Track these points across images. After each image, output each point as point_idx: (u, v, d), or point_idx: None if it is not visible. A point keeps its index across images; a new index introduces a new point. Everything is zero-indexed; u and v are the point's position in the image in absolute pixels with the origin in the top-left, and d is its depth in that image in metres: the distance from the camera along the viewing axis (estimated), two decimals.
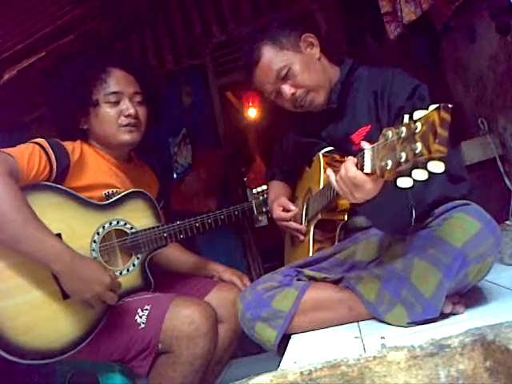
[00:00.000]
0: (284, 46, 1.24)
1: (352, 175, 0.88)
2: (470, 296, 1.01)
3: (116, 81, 1.33)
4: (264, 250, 2.77)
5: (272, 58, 1.23)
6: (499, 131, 1.84)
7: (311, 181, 1.37)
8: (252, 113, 4.11)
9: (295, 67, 1.22)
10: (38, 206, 1.14)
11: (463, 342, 0.55)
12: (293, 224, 1.37)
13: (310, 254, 1.28)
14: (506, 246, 1.31)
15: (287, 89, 1.23)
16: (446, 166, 1.00)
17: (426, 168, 0.70)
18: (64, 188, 1.23)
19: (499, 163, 1.84)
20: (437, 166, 0.69)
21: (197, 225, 1.37)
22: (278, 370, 0.60)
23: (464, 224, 0.92)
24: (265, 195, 1.53)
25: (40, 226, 1.09)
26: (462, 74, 2.06)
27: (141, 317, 1.19)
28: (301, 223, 1.38)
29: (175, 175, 2.80)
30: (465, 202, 1.01)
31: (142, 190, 1.37)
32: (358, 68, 1.29)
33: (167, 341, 1.17)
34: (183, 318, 1.18)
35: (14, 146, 1.20)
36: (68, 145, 1.27)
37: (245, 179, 2.78)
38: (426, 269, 0.94)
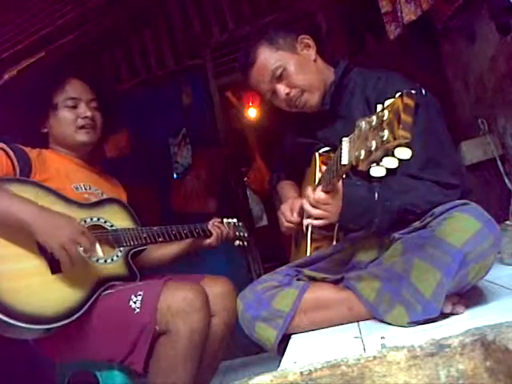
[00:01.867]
0: (280, 46, 1.26)
1: (316, 197, 1.03)
2: (470, 296, 1.01)
3: (73, 88, 1.47)
4: (264, 250, 2.77)
5: (268, 58, 1.26)
6: (499, 131, 1.84)
7: (309, 180, 1.38)
8: (252, 113, 4.11)
9: (290, 68, 1.24)
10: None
11: (463, 342, 0.55)
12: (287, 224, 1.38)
13: (308, 252, 1.28)
14: (506, 245, 1.32)
15: (282, 89, 1.26)
16: (434, 172, 1.02)
17: (394, 155, 0.71)
18: (44, 184, 1.29)
19: (499, 163, 1.84)
20: (403, 152, 0.71)
21: (173, 232, 1.46)
22: (278, 369, 0.60)
23: (463, 223, 0.92)
24: (237, 224, 1.63)
25: (7, 190, 1.19)
26: (462, 73, 2.06)
27: (135, 302, 1.22)
28: (301, 223, 1.38)
29: (175, 175, 2.80)
30: (464, 201, 1.01)
31: (117, 197, 1.48)
32: (353, 70, 1.30)
33: (163, 320, 1.20)
34: (176, 297, 1.22)
35: None
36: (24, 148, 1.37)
37: (245, 179, 2.78)
38: (425, 268, 0.94)
